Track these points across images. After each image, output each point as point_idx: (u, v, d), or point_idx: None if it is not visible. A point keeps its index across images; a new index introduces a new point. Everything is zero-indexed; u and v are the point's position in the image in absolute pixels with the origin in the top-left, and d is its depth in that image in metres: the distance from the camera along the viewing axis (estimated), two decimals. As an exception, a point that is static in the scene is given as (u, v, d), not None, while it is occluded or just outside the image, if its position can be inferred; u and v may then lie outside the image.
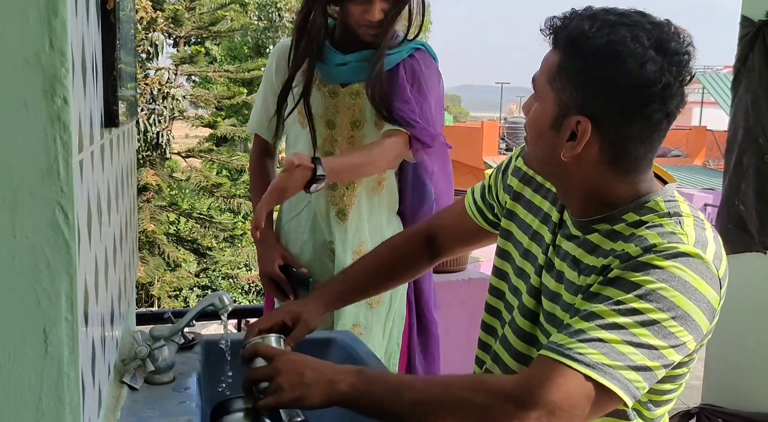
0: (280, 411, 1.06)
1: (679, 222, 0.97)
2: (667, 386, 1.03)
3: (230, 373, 1.26)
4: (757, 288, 2.11)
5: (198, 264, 12.86)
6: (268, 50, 20.07)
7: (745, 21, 2.11)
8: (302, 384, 1.01)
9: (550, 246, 1.12)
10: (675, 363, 0.96)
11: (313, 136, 1.75)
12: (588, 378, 0.90)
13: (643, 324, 0.91)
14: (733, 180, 2.11)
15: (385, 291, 1.71)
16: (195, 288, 12.98)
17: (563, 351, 0.93)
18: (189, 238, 12.07)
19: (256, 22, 18.26)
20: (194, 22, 11.92)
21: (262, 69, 12.41)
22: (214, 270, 13.19)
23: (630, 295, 0.92)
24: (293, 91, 1.76)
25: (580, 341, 0.92)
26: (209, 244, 12.09)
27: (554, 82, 1.00)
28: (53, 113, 0.69)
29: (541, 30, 1.03)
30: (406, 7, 1.69)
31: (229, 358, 1.25)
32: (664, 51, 0.94)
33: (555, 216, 1.13)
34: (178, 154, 11.98)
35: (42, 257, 0.70)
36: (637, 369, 0.91)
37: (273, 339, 1.18)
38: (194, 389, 1.21)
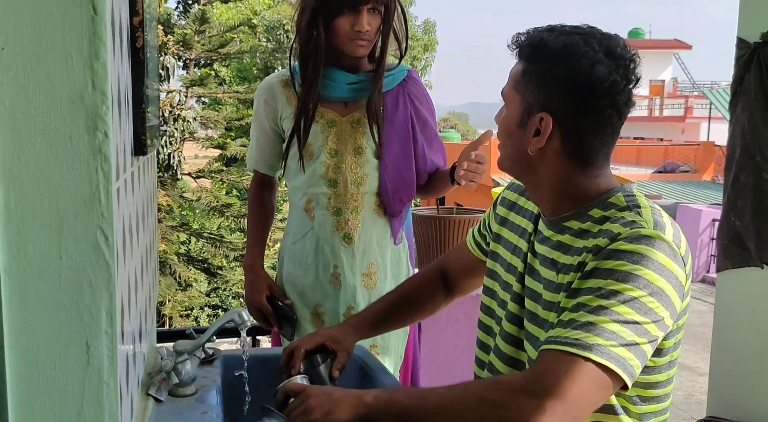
0: None
1: (638, 213, 1.08)
2: (652, 378, 1.10)
3: (247, 388, 1.33)
4: (757, 302, 2.16)
5: (209, 283, 12.93)
6: (276, 71, 20.25)
7: (741, 43, 2.18)
8: (331, 401, 1.08)
9: (528, 253, 1.22)
10: (657, 340, 1.03)
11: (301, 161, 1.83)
12: (587, 359, 0.98)
13: (625, 302, 1.00)
14: (732, 196, 2.17)
15: (411, 324, 1.79)
16: (206, 308, 13.05)
17: (561, 340, 1.00)
18: (200, 258, 12.16)
19: (264, 44, 18.50)
20: (203, 44, 12.11)
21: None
22: (224, 290, 13.26)
23: (608, 280, 1.02)
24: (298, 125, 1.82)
25: (573, 328, 1.00)
26: (220, 264, 12.17)
27: (519, 87, 1.14)
28: (95, 146, 0.76)
29: (508, 46, 1.17)
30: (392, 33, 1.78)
31: (245, 375, 1.31)
32: (612, 55, 1.08)
33: (530, 227, 1.25)
34: (189, 174, 12.11)
35: (85, 276, 0.77)
36: (628, 345, 0.99)
37: (298, 378, 1.25)
38: (215, 401, 1.27)
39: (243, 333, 1.28)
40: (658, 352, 1.09)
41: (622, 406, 1.11)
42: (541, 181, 1.16)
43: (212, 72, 13.22)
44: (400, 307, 1.51)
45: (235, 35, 13.00)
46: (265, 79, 1.92)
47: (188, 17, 14.72)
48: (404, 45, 1.81)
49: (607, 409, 1.10)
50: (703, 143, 20.57)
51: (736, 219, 2.13)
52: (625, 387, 1.01)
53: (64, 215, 0.76)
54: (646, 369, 1.07)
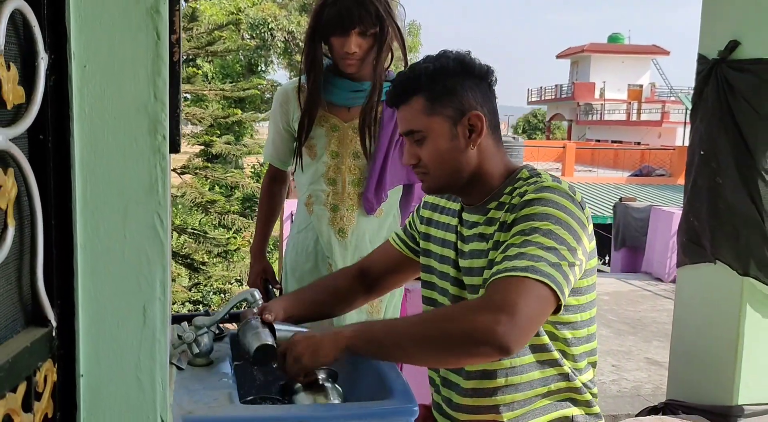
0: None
1: (539, 176, 1.35)
2: (578, 316, 1.33)
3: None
4: (712, 294, 2.37)
5: (190, 278, 13.01)
6: (260, 68, 20.38)
7: (701, 58, 2.39)
8: (314, 345, 1.27)
9: (457, 242, 1.43)
10: (575, 264, 1.24)
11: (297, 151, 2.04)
12: (526, 278, 1.18)
13: (543, 234, 1.24)
14: (690, 198, 2.38)
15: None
16: (187, 303, 13.13)
17: (501, 271, 1.21)
18: (182, 253, 12.24)
19: (248, 41, 18.56)
20: (190, 41, 12.20)
21: (259, 86, 12.69)
22: (206, 285, 13.34)
23: (526, 222, 1.25)
24: (303, 118, 2.02)
25: (509, 261, 1.22)
26: (202, 259, 12.26)
27: (433, 111, 1.35)
28: (155, 147, 0.94)
29: (387, 103, 1.45)
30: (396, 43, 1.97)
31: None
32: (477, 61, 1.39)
33: (455, 221, 1.46)
34: (174, 170, 12.20)
35: (143, 252, 0.95)
36: (552, 265, 1.21)
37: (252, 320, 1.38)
38: (229, 370, 1.45)
39: (255, 310, 1.45)
40: (579, 292, 1.31)
41: (560, 350, 1.33)
42: (474, 173, 1.37)
43: (200, 71, 13.30)
44: (311, 307, 1.56)
45: (223, 33, 13.11)
46: (283, 85, 2.14)
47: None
48: (407, 58, 2.00)
49: (551, 363, 1.33)
50: (679, 148, 20.98)
51: (694, 219, 2.34)
52: (558, 308, 1.22)
53: (129, 202, 0.93)
54: (572, 308, 1.30)
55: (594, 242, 1.34)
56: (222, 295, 13.24)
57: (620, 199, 11.43)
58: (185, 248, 12.64)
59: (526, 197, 1.29)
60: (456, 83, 1.35)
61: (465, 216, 1.44)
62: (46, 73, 0.84)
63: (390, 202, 2.09)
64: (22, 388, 0.79)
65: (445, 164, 1.37)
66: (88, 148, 0.91)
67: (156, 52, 0.92)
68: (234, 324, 2.35)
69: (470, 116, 1.35)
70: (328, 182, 2.01)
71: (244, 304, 1.48)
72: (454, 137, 1.35)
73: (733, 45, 2.23)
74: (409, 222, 1.63)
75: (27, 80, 0.81)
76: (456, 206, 1.48)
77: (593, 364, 1.41)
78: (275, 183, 2.20)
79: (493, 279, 1.22)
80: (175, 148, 1.26)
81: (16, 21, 0.80)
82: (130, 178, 0.93)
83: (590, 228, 1.32)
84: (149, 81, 0.92)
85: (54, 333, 0.88)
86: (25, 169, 0.80)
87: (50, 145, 0.86)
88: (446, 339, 1.20)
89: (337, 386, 1.33)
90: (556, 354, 1.33)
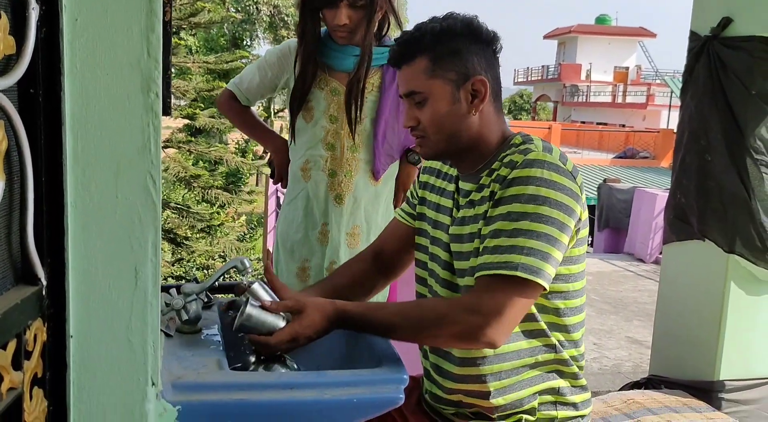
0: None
1: (531, 142, 1.34)
2: (571, 286, 1.34)
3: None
4: (697, 271, 2.39)
5: (173, 254, 12.95)
6: (245, 42, 20.14)
7: (693, 35, 2.38)
8: (311, 326, 1.27)
9: (453, 208, 1.42)
10: (566, 244, 1.26)
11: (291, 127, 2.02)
12: (515, 277, 1.21)
13: (533, 220, 1.23)
14: (679, 176, 2.38)
15: None
16: (170, 278, 13.07)
17: (492, 265, 1.23)
18: (165, 228, 12.16)
19: (234, 14, 18.32)
20: (174, 12, 12.00)
21: (241, 60, 12.56)
22: (189, 261, 13.29)
23: (514, 204, 1.24)
24: (296, 89, 2.00)
25: (500, 253, 1.23)
26: (185, 234, 12.20)
27: (435, 73, 1.32)
28: (148, 105, 0.92)
29: (389, 62, 1.41)
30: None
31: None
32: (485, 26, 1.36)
33: (452, 187, 1.44)
34: (156, 144, 12.05)
35: (135, 213, 0.93)
36: (544, 257, 1.22)
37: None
38: (219, 337, 1.44)
39: (245, 279, 1.44)
40: (571, 260, 1.32)
41: (549, 322, 1.34)
42: (473, 140, 1.36)
43: (182, 42, 13.12)
44: (338, 295, 1.51)
45: (206, 4, 12.92)
46: (293, 39, 2.08)
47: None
48: (401, 26, 1.99)
49: (538, 333, 1.33)
50: (663, 130, 21.11)
51: (682, 197, 2.35)
52: (544, 290, 1.24)
53: (121, 161, 0.91)
54: (563, 277, 1.31)
55: (587, 211, 1.34)
56: (205, 271, 13.18)
57: (604, 180, 11.49)
58: (168, 223, 12.56)
59: (515, 173, 1.27)
60: (462, 46, 1.32)
61: (461, 184, 1.42)
62: (37, 24, 0.81)
63: (389, 171, 2.07)
64: (12, 346, 0.78)
65: (445, 128, 1.35)
66: (79, 104, 0.89)
67: (150, 7, 0.90)
68: (222, 295, 2.33)
69: (474, 81, 1.32)
70: (326, 147, 1.99)
71: (233, 272, 1.47)
72: (456, 101, 1.33)
73: (726, 22, 2.23)
74: (411, 191, 1.61)
75: (17, 31, 0.79)
76: (453, 172, 1.47)
77: (582, 336, 1.41)
78: (234, 101, 2.12)
79: (483, 273, 1.24)
80: (166, 110, 1.23)
81: (6, -32, 0.77)
82: (122, 135, 0.91)
83: (583, 197, 1.31)
84: (142, 37, 0.90)
85: (44, 292, 0.86)
86: (15, 121, 0.78)
87: (41, 99, 0.84)
88: (438, 335, 1.28)
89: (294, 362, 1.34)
90: (543, 325, 1.33)
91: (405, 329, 1.30)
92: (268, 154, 2.22)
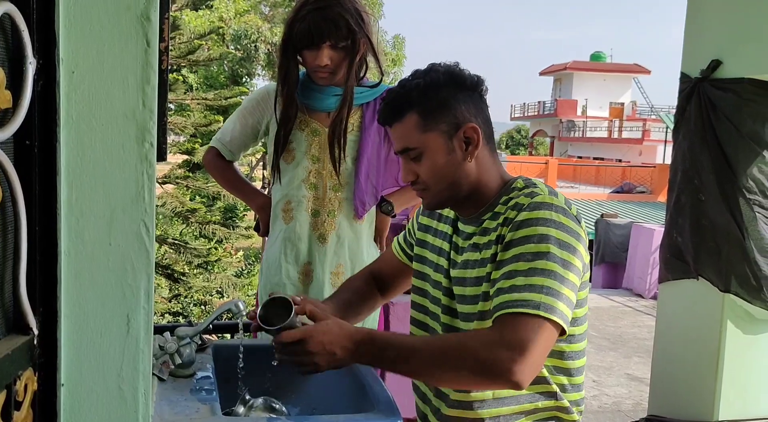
0: None
1: (535, 186, 1.35)
2: (575, 330, 1.33)
3: (241, 375, 1.49)
4: (693, 310, 2.39)
5: (170, 290, 12.88)
6: (244, 80, 20.37)
7: (684, 77, 2.42)
8: (330, 342, 1.23)
9: (451, 251, 1.43)
10: (577, 285, 1.26)
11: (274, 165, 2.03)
12: (538, 316, 1.19)
13: (546, 258, 1.22)
14: (674, 215, 2.40)
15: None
16: (167, 314, 12.99)
17: (513, 304, 1.21)
18: (162, 264, 12.13)
19: (233, 51, 18.54)
20: (173, 50, 12.15)
21: (239, 97, 12.68)
22: (186, 296, 13.22)
23: (527, 245, 1.24)
24: (279, 132, 2.01)
25: (518, 292, 1.22)
26: (183, 270, 12.15)
27: (427, 127, 1.34)
28: (142, 154, 0.93)
29: (381, 122, 1.43)
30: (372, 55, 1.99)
31: (242, 357, 1.47)
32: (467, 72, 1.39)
33: (450, 230, 1.46)
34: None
35: (128, 260, 0.93)
36: (560, 297, 1.21)
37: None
38: (212, 381, 1.43)
39: (240, 322, 1.44)
40: (577, 304, 1.30)
41: (552, 366, 1.34)
42: (472, 185, 1.37)
43: (180, 77, 13.24)
44: (343, 309, 1.55)
45: (204, 43, 13.07)
46: (267, 84, 2.13)
47: (158, 23, 14.65)
48: (381, 67, 2.02)
49: (539, 380, 1.32)
50: (659, 165, 21.22)
51: (677, 235, 2.37)
52: (563, 332, 1.23)
53: (115, 209, 0.92)
54: (571, 321, 1.28)
55: (588, 255, 1.34)
56: (203, 307, 13.11)
57: (602, 215, 11.52)
58: (165, 258, 12.52)
59: (524, 215, 1.27)
60: (448, 96, 1.34)
61: (461, 226, 1.43)
62: (34, 77, 0.83)
63: (373, 209, 2.09)
64: (1, 397, 0.78)
65: (444, 179, 1.36)
66: (74, 154, 0.90)
67: (146, 59, 0.91)
68: (216, 336, 2.33)
69: (465, 129, 1.34)
70: (309, 187, 2.01)
71: (227, 315, 1.47)
72: (451, 151, 1.35)
73: (715, 64, 2.27)
74: (409, 229, 1.62)
75: (14, 84, 0.80)
76: (451, 214, 1.48)
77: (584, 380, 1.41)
78: (219, 159, 2.14)
79: (504, 312, 1.21)
80: (161, 155, 1.25)
81: (5, 24, 0.79)
82: (116, 184, 0.92)
83: (587, 240, 1.32)
84: (138, 88, 0.92)
85: (35, 342, 0.86)
86: (10, 173, 0.79)
87: (36, 151, 0.85)
88: (460, 367, 1.21)
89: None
90: (545, 372, 1.33)
91: (424, 357, 1.23)
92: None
